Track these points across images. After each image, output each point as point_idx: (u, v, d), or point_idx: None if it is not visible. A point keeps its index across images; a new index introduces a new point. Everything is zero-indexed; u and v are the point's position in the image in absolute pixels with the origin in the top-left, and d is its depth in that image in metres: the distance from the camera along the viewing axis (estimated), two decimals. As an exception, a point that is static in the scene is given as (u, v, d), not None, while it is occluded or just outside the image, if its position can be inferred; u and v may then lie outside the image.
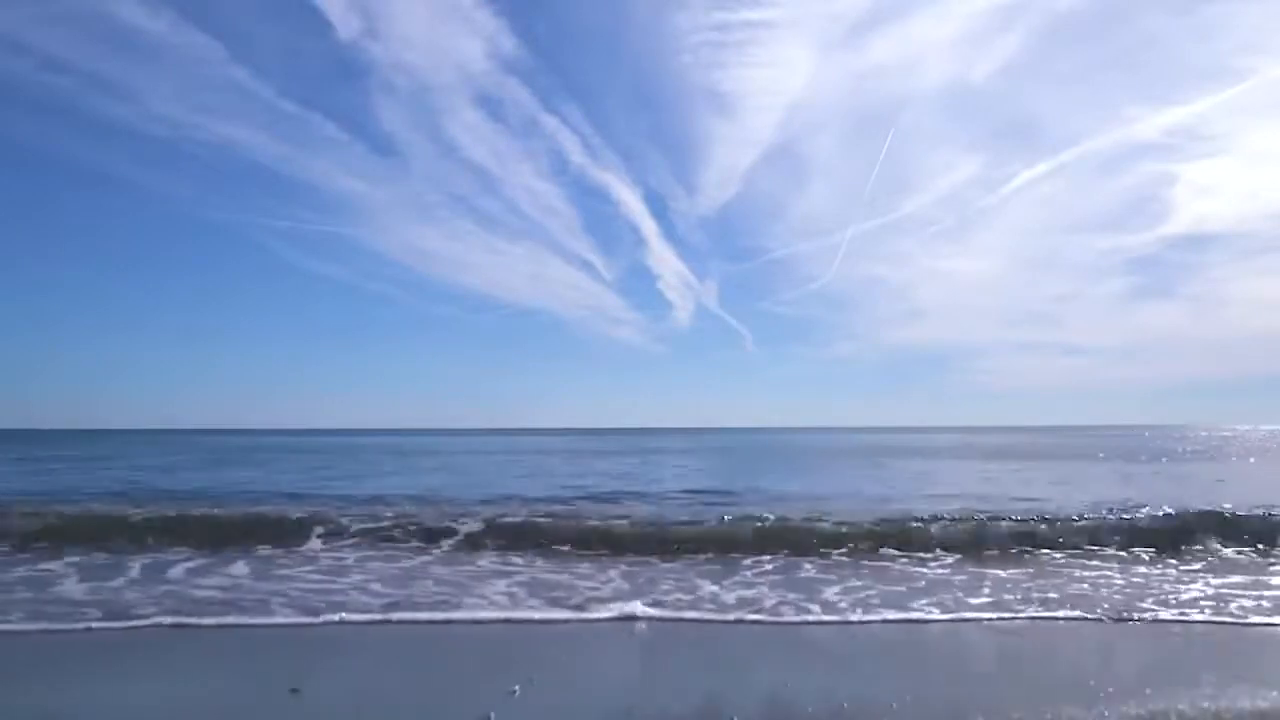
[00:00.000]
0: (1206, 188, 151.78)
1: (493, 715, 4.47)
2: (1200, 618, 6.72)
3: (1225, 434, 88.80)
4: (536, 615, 7.02)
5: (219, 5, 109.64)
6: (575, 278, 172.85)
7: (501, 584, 8.23)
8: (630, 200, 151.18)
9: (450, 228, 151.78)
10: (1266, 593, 7.67)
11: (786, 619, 6.80)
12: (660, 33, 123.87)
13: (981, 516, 11.43)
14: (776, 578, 8.52)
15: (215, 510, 12.88)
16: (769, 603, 7.35)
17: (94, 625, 6.59)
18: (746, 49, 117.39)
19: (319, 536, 10.65)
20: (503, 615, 7.03)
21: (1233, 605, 7.13)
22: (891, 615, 6.86)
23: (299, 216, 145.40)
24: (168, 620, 6.68)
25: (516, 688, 4.90)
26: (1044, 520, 11.22)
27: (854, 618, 6.79)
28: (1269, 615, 6.80)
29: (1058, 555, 9.71)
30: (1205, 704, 4.47)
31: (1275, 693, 4.69)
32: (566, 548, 10.15)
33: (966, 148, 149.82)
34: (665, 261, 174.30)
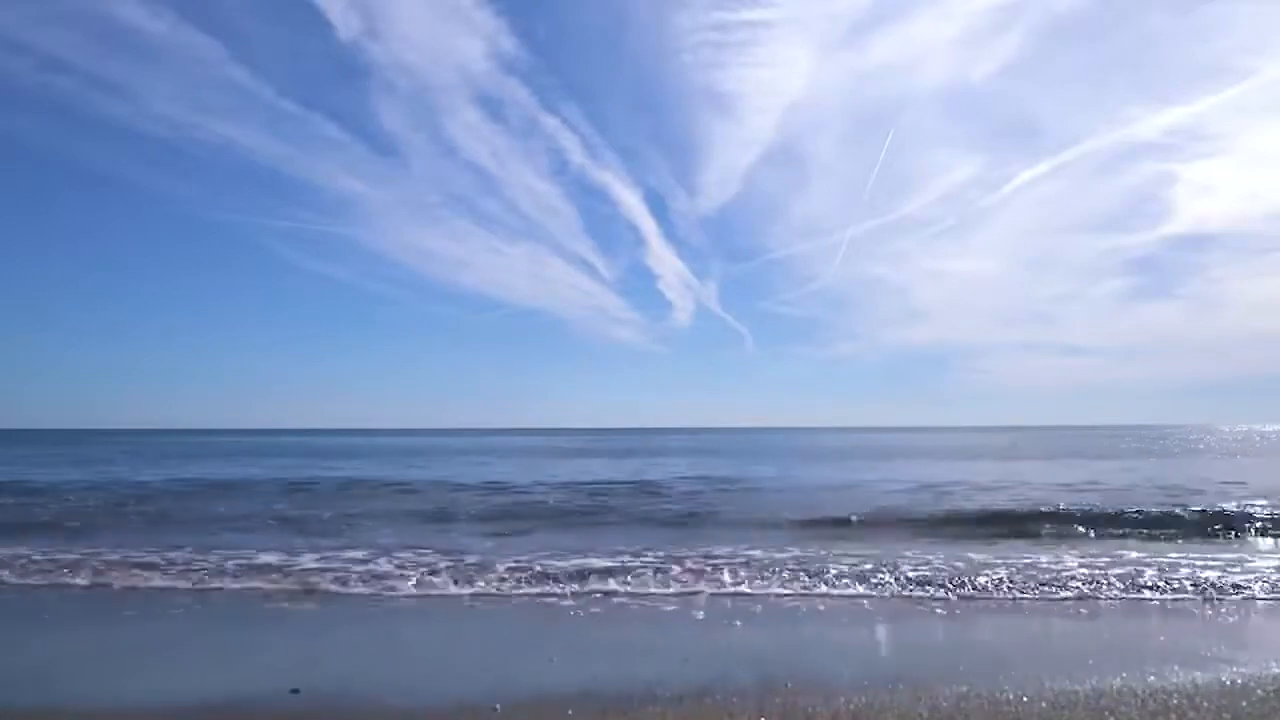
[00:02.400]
0: (1206, 188, 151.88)
1: (498, 708, 4.49)
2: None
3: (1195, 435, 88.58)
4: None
5: (219, 5, 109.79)
6: (575, 278, 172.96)
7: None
8: (630, 200, 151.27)
9: (450, 228, 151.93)
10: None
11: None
12: (660, 33, 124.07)
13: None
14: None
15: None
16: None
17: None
18: (746, 49, 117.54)
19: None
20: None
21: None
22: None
23: (299, 216, 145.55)
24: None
25: (554, 658, 4.92)
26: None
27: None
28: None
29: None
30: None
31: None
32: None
33: (966, 148, 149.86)
34: (665, 261, 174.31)
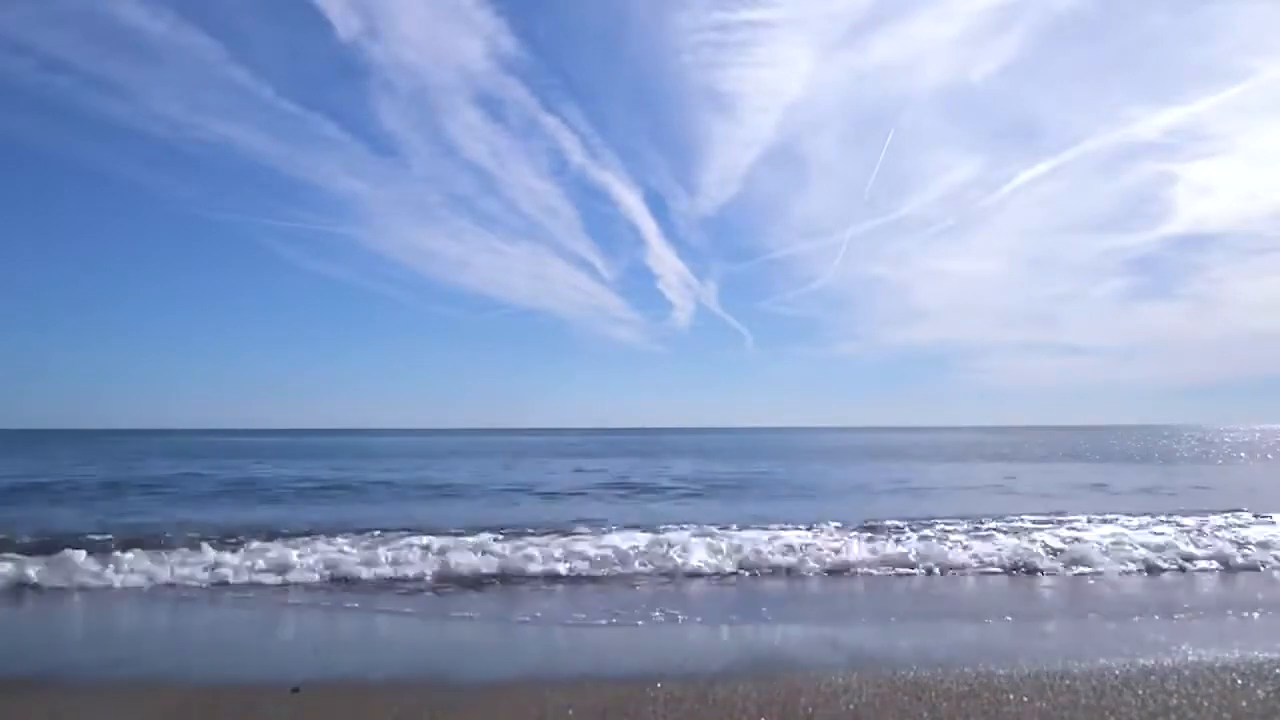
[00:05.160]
0: (1206, 188, 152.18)
1: (500, 705, 4.50)
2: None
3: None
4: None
5: (219, 5, 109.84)
6: (576, 278, 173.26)
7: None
8: (630, 200, 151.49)
9: (450, 228, 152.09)
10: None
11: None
12: (660, 33, 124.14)
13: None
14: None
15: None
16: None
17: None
18: (746, 49, 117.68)
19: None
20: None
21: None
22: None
23: (299, 216, 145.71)
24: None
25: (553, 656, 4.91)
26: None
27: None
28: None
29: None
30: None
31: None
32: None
33: (966, 148, 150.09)
34: (665, 261, 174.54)
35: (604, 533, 11.49)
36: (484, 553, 9.63)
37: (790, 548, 9.75)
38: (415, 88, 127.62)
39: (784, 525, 11.91)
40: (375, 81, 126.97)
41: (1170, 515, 13.14)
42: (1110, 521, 12.45)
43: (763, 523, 12.34)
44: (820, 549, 9.72)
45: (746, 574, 9.02)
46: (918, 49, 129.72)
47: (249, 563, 9.03)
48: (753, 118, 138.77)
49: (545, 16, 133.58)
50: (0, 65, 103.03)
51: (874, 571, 9.09)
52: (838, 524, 12.24)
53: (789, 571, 9.09)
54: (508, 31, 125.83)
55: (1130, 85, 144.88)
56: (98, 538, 11.02)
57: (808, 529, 11.53)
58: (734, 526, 11.83)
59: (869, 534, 11.09)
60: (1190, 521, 12.21)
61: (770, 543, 9.97)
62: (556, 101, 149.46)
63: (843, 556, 9.41)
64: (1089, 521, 12.41)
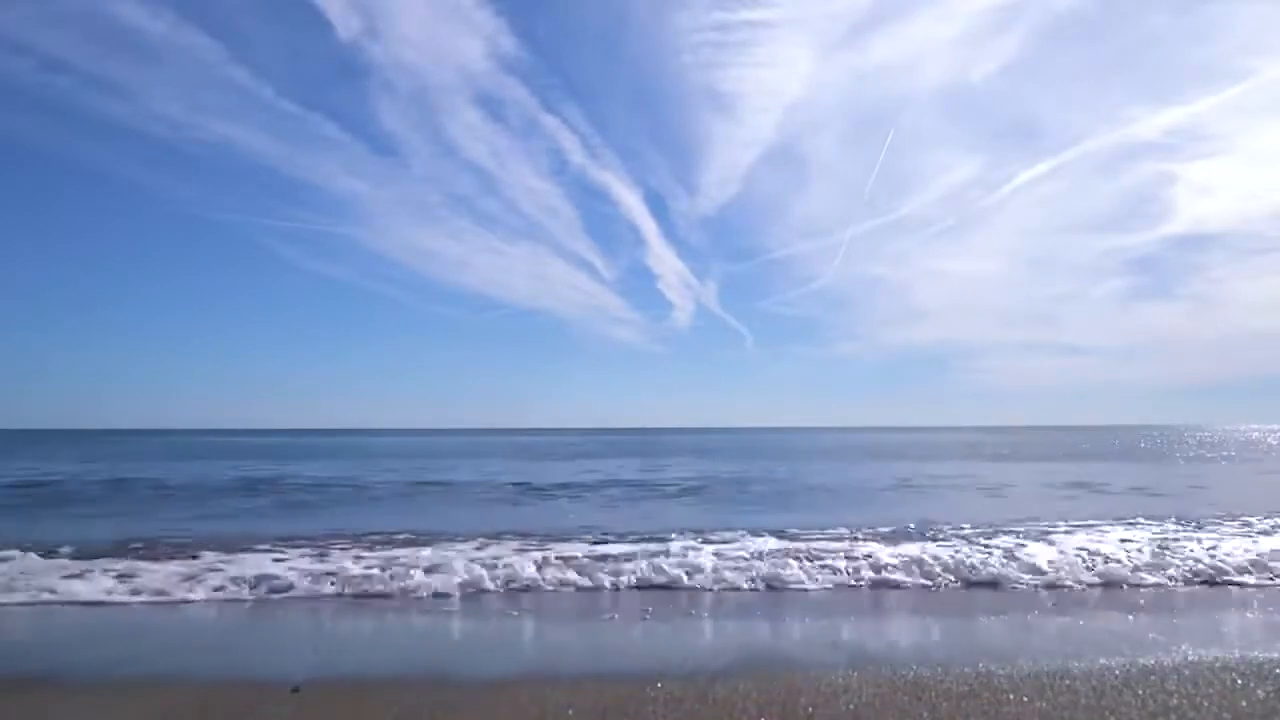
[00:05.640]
0: (1206, 188, 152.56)
1: (501, 705, 4.49)
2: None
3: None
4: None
5: (219, 5, 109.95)
6: (576, 278, 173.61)
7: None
8: (630, 200, 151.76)
9: (450, 228, 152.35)
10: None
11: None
12: (660, 33, 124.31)
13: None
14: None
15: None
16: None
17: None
18: (746, 49, 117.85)
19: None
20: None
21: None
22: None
23: (299, 216, 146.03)
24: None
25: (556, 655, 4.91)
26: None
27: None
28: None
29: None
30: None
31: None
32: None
33: (966, 148, 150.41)
34: (665, 261, 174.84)
35: (604, 535, 11.50)
36: (486, 555, 9.62)
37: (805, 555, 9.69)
38: (415, 88, 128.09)
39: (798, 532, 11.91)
40: (375, 81, 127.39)
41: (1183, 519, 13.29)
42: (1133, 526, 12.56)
43: (773, 526, 12.37)
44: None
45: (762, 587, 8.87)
46: (918, 49, 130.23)
47: (245, 571, 9.00)
48: (753, 118, 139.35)
49: (545, 16, 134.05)
50: (0, 65, 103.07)
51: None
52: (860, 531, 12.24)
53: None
54: (508, 31, 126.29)
55: (1130, 85, 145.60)
56: (97, 539, 11.04)
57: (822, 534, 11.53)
58: (718, 532, 11.85)
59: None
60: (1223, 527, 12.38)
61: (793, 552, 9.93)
62: (556, 101, 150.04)
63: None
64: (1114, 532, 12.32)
